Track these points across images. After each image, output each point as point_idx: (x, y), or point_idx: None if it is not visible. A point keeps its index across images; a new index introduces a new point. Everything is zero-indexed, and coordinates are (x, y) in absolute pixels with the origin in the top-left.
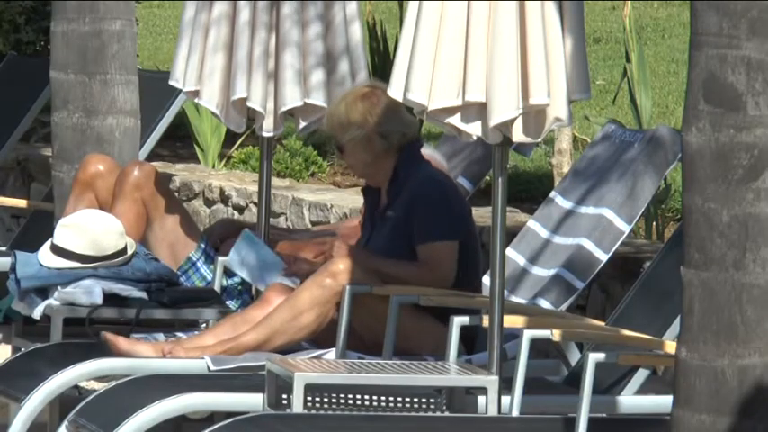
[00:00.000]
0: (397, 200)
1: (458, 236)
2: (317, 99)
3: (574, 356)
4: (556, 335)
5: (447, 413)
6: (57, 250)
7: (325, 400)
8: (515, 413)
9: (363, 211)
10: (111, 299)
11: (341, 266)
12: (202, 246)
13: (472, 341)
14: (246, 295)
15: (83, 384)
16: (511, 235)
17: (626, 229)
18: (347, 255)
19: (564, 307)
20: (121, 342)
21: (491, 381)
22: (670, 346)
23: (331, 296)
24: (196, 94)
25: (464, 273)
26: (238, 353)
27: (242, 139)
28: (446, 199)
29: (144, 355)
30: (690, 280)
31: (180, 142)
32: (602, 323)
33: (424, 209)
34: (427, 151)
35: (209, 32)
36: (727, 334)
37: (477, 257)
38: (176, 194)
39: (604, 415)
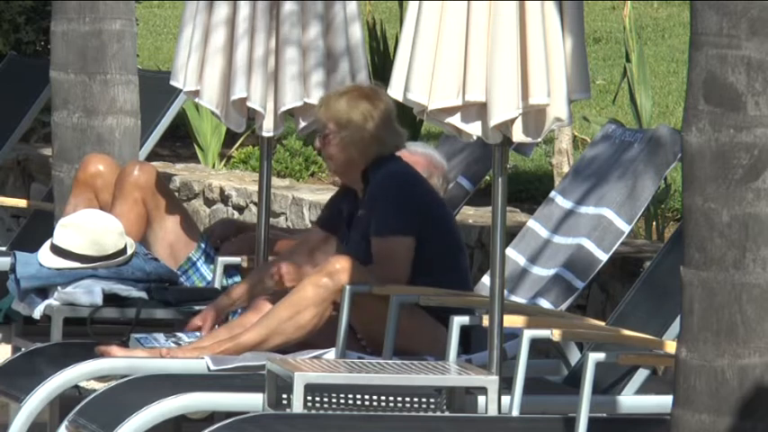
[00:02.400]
0: (364, 200)
1: (411, 232)
2: (317, 99)
3: (574, 356)
4: (556, 335)
5: (447, 413)
6: (56, 250)
7: (325, 400)
8: (515, 413)
9: (329, 210)
10: (111, 299)
11: (337, 266)
12: (202, 246)
13: (468, 339)
14: None
15: (83, 384)
16: (511, 235)
17: (626, 228)
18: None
19: (564, 307)
20: (115, 351)
21: (491, 381)
22: (670, 346)
23: (328, 295)
24: (196, 93)
25: (434, 269)
26: (237, 353)
27: (242, 138)
28: (401, 194)
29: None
30: (690, 280)
31: (180, 142)
32: (602, 323)
33: (380, 204)
34: (426, 150)
35: (209, 32)
36: (727, 334)
37: (450, 252)
38: (176, 194)
39: (604, 415)
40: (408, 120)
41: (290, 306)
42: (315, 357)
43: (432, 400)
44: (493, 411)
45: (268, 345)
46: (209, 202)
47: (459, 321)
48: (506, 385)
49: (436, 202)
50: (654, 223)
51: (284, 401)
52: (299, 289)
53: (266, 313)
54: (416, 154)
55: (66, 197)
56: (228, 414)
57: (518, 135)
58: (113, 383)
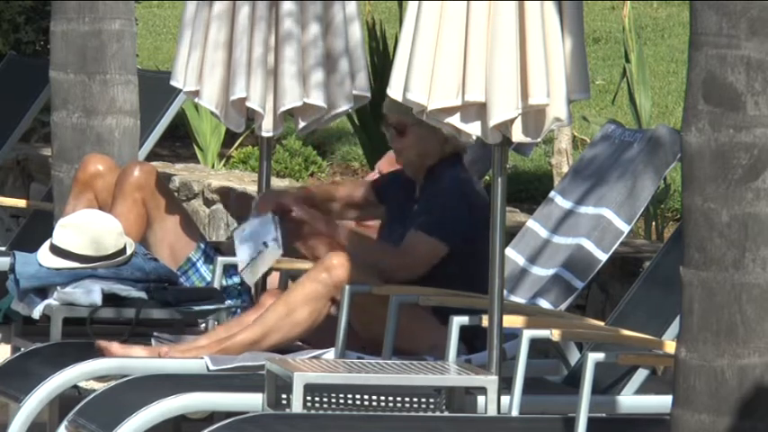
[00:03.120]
0: (422, 196)
1: (449, 241)
2: (317, 99)
3: (573, 356)
4: (555, 335)
5: (446, 413)
6: (56, 250)
7: (325, 400)
8: (515, 413)
9: (375, 186)
10: (110, 299)
11: (335, 261)
12: (202, 246)
13: (473, 341)
14: (246, 295)
15: (82, 384)
16: (510, 235)
17: (625, 228)
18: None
19: (563, 307)
20: (115, 348)
21: (490, 381)
22: (670, 346)
23: (326, 292)
24: (196, 93)
25: (470, 284)
26: (235, 352)
27: (241, 138)
28: (457, 205)
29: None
30: (689, 280)
31: (179, 142)
32: (602, 323)
33: (437, 204)
34: None
35: (209, 32)
36: (726, 334)
37: (478, 269)
38: (176, 194)
39: (604, 415)
40: None
41: (286, 303)
42: (314, 357)
43: (431, 401)
44: (492, 411)
45: (265, 343)
46: (208, 203)
47: (458, 321)
48: (506, 385)
49: (484, 221)
50: (653, 223)
51: (284, 401)
52: (295, 286)
53: (263, 312)
54: None
55: (66, 197)
56: (228, 414)
57: (517, 135)
58: (113, 383)
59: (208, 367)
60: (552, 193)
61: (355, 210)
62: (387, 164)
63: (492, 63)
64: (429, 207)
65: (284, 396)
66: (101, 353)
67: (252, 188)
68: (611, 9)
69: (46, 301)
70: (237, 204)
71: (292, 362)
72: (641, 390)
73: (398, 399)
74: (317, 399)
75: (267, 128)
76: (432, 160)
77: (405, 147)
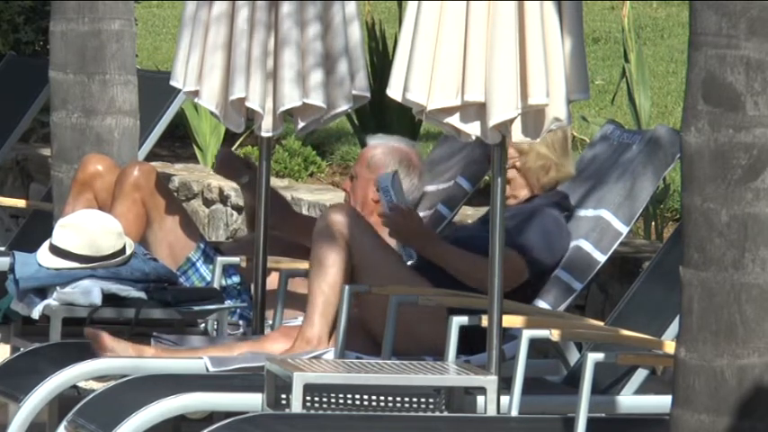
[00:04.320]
0: (520, 218)
1: (531, 268)
2: (316, 99)
3: (573, 356)
4: (555, 335)
5: (446, 413)
6: (55, 250)
7: (324, 400)
8: (514, 413)
9: None
10: (109, 299)
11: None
12: (201, 246)
13: (474, 341)
14: (245, 295)
15: (82, 384)
16: None
17: (624, 229)
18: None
19: (562, 308)
20: (105, 337)
21: (490, 381)
22: (669, 346)
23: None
24: (196, 93)
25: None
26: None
27: (241, 139)
28: (550, 229)
29: (122, 355)
30: (689, 280)
31: (179, 142)
32: (602, 323)
33: (533, 228)
34: (404, 143)
35: (208, 32)
36: (726, 334)
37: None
38: (175, 194)
39: (603, 415)
40: (408, 120)
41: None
42: (314, 357)
43: (431, 401)
44: (492, 411)
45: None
46: (207, 203)
47: (458, 321)
48: (505, 385)
49: (559, 258)
50: (653, 223)
51: (283, 401)
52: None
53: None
54: (401, 146)
55: (65, 197)
56: (228, 414)
57: (517, 135)
58: (112, 383)
59: (207, 369)
60: None
61: None
62: (365, 169)
63: (491, 63)
64: (533, 229)
65: (284, 396)
66: (92, 337)
67: None
68: (610, 9)
69: (45, 302)
70: (224, 164)
71: (292, 362)
72: (641, 390)
73: (398, 399)
74: (316, 399)
75: (267, 128)
76: (536, 190)
77: (510, 177)
